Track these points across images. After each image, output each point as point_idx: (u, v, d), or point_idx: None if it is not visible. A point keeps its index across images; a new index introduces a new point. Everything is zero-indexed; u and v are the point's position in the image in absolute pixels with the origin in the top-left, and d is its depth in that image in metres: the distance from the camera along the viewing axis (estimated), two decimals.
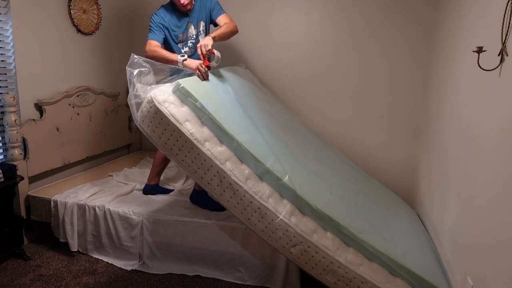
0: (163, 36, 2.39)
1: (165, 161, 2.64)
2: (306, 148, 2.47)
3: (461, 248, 1.72)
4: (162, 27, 2.38)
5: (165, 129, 1.71)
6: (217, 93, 1.97)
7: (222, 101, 1.93)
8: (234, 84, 2.31)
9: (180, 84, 1.76)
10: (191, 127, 1.70)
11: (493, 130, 1.45)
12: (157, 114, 1.70)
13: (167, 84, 1.83)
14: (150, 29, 2.38)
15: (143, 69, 1.86)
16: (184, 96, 1.75)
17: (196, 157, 1.71)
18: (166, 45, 2.44)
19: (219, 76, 2.21)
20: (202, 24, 2.52)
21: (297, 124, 2.78)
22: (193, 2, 2.48)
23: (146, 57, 2.14)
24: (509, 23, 1.35)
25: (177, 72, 2.03)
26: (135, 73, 1.84)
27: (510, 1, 1.35)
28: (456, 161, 1.91)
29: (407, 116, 3.03)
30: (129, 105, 1.85)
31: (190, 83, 1.83)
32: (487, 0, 1.66)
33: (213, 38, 2.17)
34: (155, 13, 2.41)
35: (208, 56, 2.09)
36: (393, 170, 3.12)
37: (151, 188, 2.65)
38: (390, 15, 2.95)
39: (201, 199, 2.40)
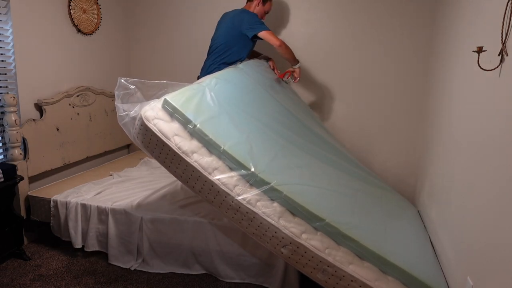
0: None
1: None
2: (310, 143, 2.45)
3: (461, 247, 1.72)
4: None
5: (156, 144, 1.81)
6: (208, 101, 1.98)
7: (211, 109, 1.96)
8: (239, 81, 2.31)
9: (167, 100, 1.83)
10: (179, 141, 1.78)
11: (493, 130, 1.45)
12: (147, 131, 1.80)
13: (157, 100, 1.89)
14: (261, 23, 2.63)
15: (128, 91, 1.95)
16: (171, 111, 1.82)
17: (185, 169, 1.80)
18: (247, 46, 2.71)
19: (226, 75, 2.22)
20: None
21: (307, 119, 2.73)
22: None
23: (280, 45, 2.59)
24: (509, 23, 1.35)
25: (166, 86, 2.05)
26: (119, 97, 1.94)
27: (510, 1, 1.35)
28: (457, 161, 1.91)
29: (408, 115, 3.04)
30: (122, 126, 1.93)
31: (178, 98, 1.87)
32: (487, 0, 1.66)
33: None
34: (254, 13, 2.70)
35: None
36: (395, 168, 3.13)
37: None
38: (390, 16, 2.95)
39: None
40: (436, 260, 2.03)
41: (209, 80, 2.16)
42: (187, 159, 1.77)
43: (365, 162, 3.13)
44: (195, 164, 1.77)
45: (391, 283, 1.71)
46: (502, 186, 1.31)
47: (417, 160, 3.00)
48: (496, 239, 1.33)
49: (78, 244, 2.45)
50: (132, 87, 1.95)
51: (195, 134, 1.81)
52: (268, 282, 2.19)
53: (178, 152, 1.77)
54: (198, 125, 1.81)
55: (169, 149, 1.79)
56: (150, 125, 1.78)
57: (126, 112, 1.90)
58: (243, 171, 1.79)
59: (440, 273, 1.90)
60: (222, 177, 1.78)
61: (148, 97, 1.95)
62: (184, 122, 1.81)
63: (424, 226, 2.47)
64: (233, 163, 1.80)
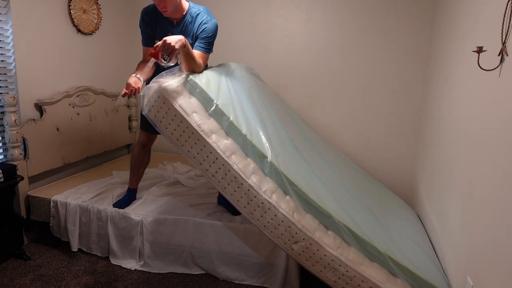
0: (151, 40, 2.25)
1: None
2: (308, 146, 2.46)
3: (461, 248, 1.72)
4: (147, 29, 2.25)
5: (172, 119, 1.73)
6: (225, 87, 1.96)
7: (229, 94, 1.92)
8: (240, 78, 2.29)
9: (189, 77, 1.79)
10: (198, 119, 1.71)
11: (493, 130, 1.45)
12: (164, 104, 1.72)
13: (176, 78, 1.84)
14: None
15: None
16: (192, 87, 1.76)
17: (202, 149, 1.72)
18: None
19: (227, 70, 2.19)
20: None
21: (299, 123, 2.77)
22: (184, 14, 2.13)
23: None
24: (509, 23, 1.35)
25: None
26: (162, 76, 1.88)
27: (510, 1, 1.35)
28: (456, 161, 1.91)
29: (408, 116, 3.03)
30: (141, 96, 1.88)
31: (199, 76, 1.84)
32: (487, 0, 1.66)
33: (185, 46, 1.80)
34: (143, 11, 2.23)
35: (167, 53, 1.74)
36: (393, 170, 3.12)
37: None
38: (390, 16, 2.95)
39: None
40: (437, 260, 2.03)
41: (223, 67, 2.15)
42: (206, 138, 1.69)
43: (363, 163, 3.13)
44: (214, 145, 1.69)
45: (401, 286, 1.70)
46: (502, 186, 1.31)
47: (416, 161, 3.00)
48: (496, 239, 1.33)
49: (74, 247, 2.46)
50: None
51: (215, 113, 1.75)
52: (269, 282, 2.19)
53: (198, 130, 1.69)
54: (219, 105, 1.75)
55: (187, 125, 1.71)
56: (170, 98, 1.70)
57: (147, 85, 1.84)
58: (260, 159, 1.73)
59: (441, 274, 1.90)
60: (240, 162, 1.71)
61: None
62: (205, 100, 1.75)
63: (424, 227, 2.47)
64: (250, 150, 1.74)
